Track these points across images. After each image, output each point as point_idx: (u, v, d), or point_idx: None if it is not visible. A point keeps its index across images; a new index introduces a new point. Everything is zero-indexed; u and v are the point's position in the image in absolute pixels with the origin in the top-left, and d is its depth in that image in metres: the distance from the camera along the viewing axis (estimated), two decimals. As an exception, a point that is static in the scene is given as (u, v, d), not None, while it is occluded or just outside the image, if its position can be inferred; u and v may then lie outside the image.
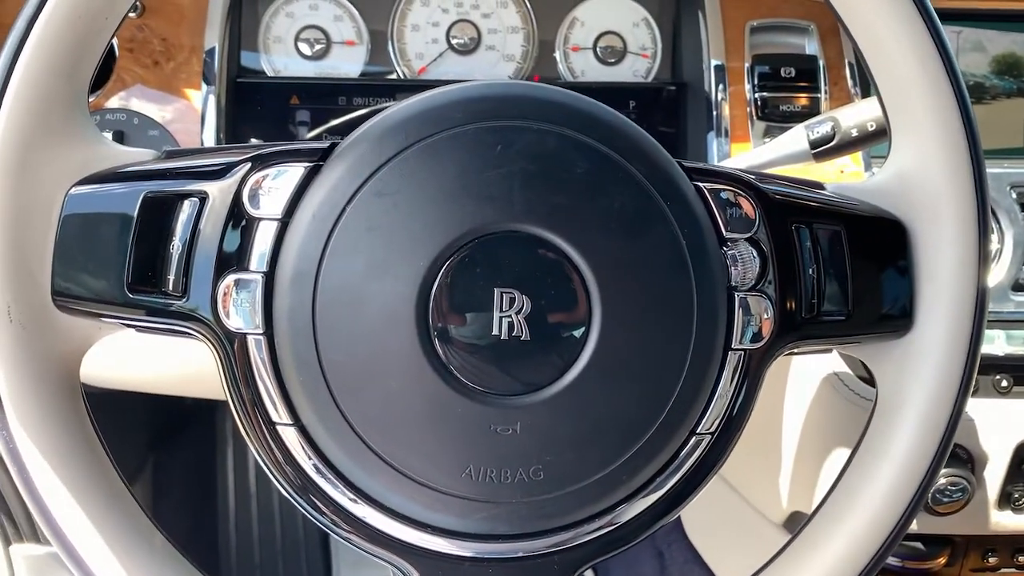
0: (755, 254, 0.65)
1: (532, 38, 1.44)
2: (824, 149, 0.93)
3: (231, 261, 0.60)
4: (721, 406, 0.64)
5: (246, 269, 0.60)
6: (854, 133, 0.91)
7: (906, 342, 0.69)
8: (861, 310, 0.68)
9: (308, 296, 0.59)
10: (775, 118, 1.28)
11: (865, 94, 1.34)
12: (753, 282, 0.65)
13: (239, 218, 0.61)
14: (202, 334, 0.62)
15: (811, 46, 1.32)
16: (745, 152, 1.27)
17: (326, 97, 1.36)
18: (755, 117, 1.28)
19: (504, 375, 0.60)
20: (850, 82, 1.30)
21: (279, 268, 0.60)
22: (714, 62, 1.31)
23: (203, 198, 0.61)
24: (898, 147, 0.70)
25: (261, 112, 1.35)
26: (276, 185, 0.61)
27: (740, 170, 0.69)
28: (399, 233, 0.59)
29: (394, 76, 1.43)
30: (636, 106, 1.38)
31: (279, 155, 0.62)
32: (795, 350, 0.69)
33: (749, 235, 0.65)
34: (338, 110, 1.35)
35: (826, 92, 1.29)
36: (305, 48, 1.41)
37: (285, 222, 0.60)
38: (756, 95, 1.28)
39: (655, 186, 0.62)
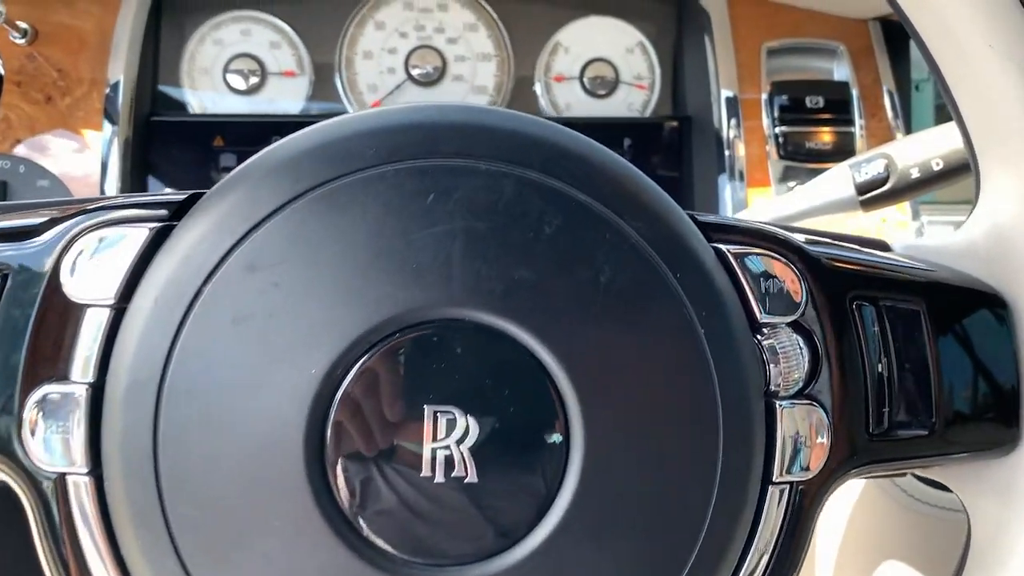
0: (802, 345, 0.49)
1: (507, 67, 1.31)
2: (876, 195, 0.77)
3: (43, 368, 0.44)
4: (759, 564, 0.48)
5: (64, 379, 0.44)
6: (914, 174, 0.76)
7: (1011, 465, 0.53)
8: (950, 421, 0.52)
9: (148, 419, 0.42)
10: (800, 157, 1.13)
11: (908, 130, 1.20)
12: (800, 385, 0.49)
13: (55, 304, 0.44)
14: (3, 471, 0.46)
15: (841, 71, 1.18)
16: (766, 199, 1.12)
17: (257, 138, 1.20)
18: (776, 156, 1.13)
19: (440, 536, 0.43)
20: (890, 113, 1.16)
21: (110, 378, 0.43)
22: (724, 92, 1.17)
23: (3, 274, 0.45)
24: (991, 191, 0.54)
25: (178, 156, 1.20)
26: (109, 256, 0.45)
27: (774, 224, 0.54)
28: (282, 326, 0.43)
29: (342, 112, 1.29)
30: (632, 145, 1.24)
31: (115, 211, 0.46)
32: (859, 476, 0.53)
33: (794, 318, 0.49)
34: (272, 153, 1.20)
35: (861, 126, 1.14)
36: (236, 80, 1.26)
37: (120, 309, 0.44)
38: (776, 130, 1.13)
39: (658, 250, 0.46)
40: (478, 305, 0.44)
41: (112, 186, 1.11)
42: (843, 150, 1.12)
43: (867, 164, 0.78)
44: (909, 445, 0.53)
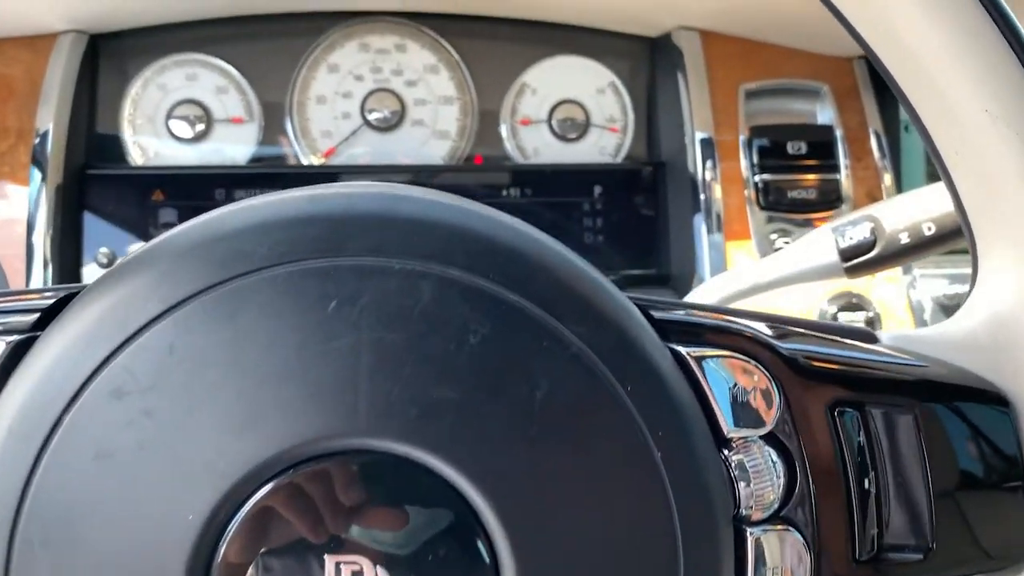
0: (776, 460, 0.43)
1: (471, 109, 1.25)
2: (862, 262, 0.72)
3: None
4: None
5: None
6: (904, 239, 0.70)
7: (1022, 582, 0.47)
8: (949, 540, 0.46)
9: (-4, 575, 0.37)
10: (782, 207, 1.08)
11: (898, 174, 1.15)
12: (775, 507, 0.43)
13: None
14: None
15: (824, 113, 1.13)
16: (746, 253, 1.07)
17: (201, 191, 1.14)
18: (756, 206, 1.08)
19: None
20: (877, 156, 1.11)
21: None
22: (699, 135, 1.11)
23: None
24: (990, 273, 0.49)
25: (114, 212, 1.13)
26: (-47, 376, 0.39)
27: (747, 318, 0.48)
28: (153, 463, 0.36)
29: (294, 161, 1.23)
30: (603, 192, 1.18)
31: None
32: (845, 606, 0.47)
33: (766, 430, 0.43)
34: (214, 207, 1.14)
35: (847, 170, 1.09)
36: (180, 128, 1.20)
37: (-34, 441, 0.38)
38: (756, 178, 1.08)
39: (605, 358, 0.40)
40: (389, 433, 0.38)
41: (39, 247, 1.05)
42: (828, 199, 1.07)
43: (852, 228, 0.72)
44: (903, 571, 0.47)
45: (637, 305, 0.44)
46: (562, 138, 1.26)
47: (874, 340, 0.52)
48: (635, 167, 1.20)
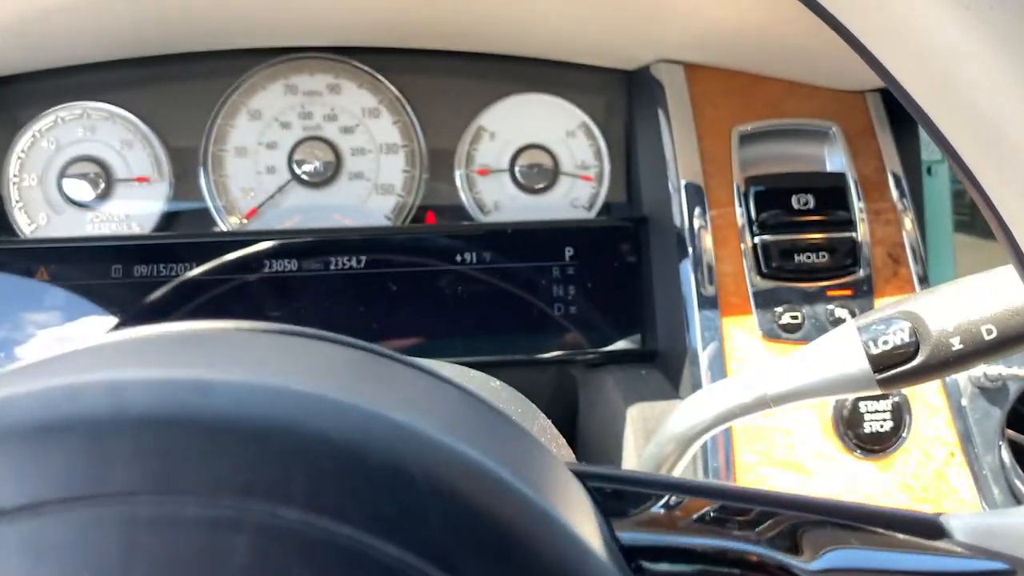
0: None
1: (418, 158, 1.08)
2: (899, 373, 0.55)
3: None
4: None
5: None
6: (955, 345, 0.53)
7: None
8: None
9: None
10: (787, 275, 0.90)
11: (921, 227, 0.98)
12: None
13: None
14: None
15: (834, 158, 0.96)
16: (746, 334, 0.89)
17: (96, 267, 0.97)
18: (756, 272, 0.91)
19: None
20: (898, 206, 0.94)
21: None
22: (684, 182, 0.94)
23: None
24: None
25: (-13, 296, 0.96)
26: None
27: (765, 503, 0.32)
28: None
29: (210, 225, 1.06)
30: (576, 254, 1.01)
31: None
32: None
33: None
34: (111, 288, 0.96)
35: (864, 224, 0.92)
36: (76, 189, 1.03)
37: None
38: (755, 240, 0.91)
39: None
40: None
41: None
42: (842, 262, 0.90)
43: (885, 329, 0.55)
44: None
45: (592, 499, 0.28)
46: (527, 189, 1.09)
47: (942, 533, 0.36)
48: (613, 223, 1.03)
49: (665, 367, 0.99)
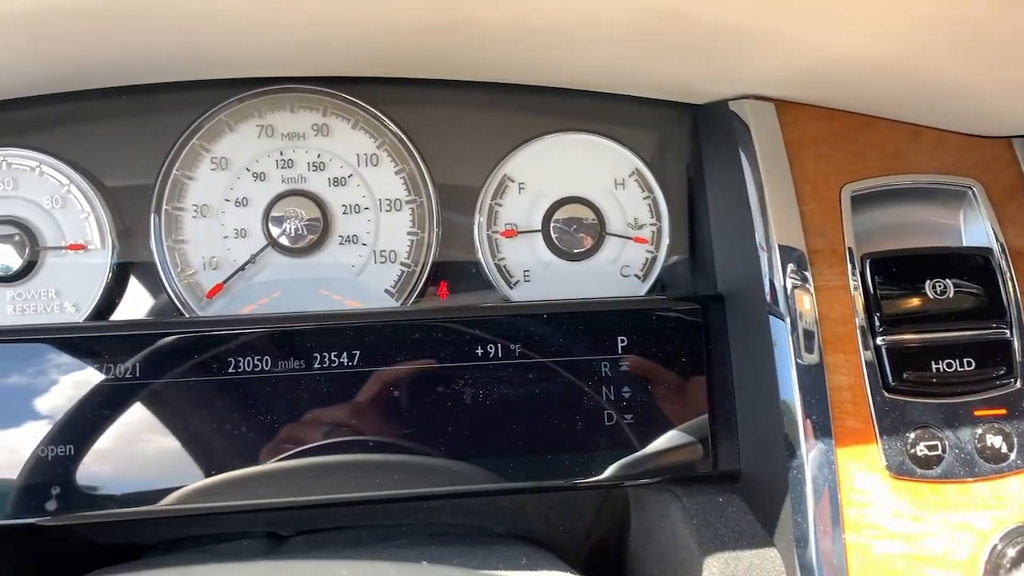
0: None
1: (428, 218, 0.87)
2: None
3: None
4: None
5: None
6: None
7: None
8: None
9: None
10: (922, 390, 0.69)
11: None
12: None
13: None
14: None
15: (974, 227, 0.74)
16: (867, 469, 0.68)
17: (14, 366, 0.76)
18: (881, 387, 0.70)
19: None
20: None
21: None
22: (779, 252, 0.73)
23: None
24: None
25: None
26: None
27: None
28: None
29: (163, 308, 0.85)
30: (630, 345, 0.80)
31: None
32: None
33: None
34: (34, 393, 0.75)
35: (1019, 320, 0.71)
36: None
37: None
38: (878, 340, 0.70)
39: None
40: None
41: None
42: (993, 372, 0.69)
43: None
44: None
45: None
46: (565, 254, 0.88)
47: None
48: (679, 305, 0.81)
49: (752, 496, 0.77)
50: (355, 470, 0.76)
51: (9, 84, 0.81)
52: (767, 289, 0.74)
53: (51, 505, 0.74)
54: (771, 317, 0.73)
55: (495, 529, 0.92)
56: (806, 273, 0.72)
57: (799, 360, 0.70)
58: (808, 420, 0.69)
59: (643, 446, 0.79)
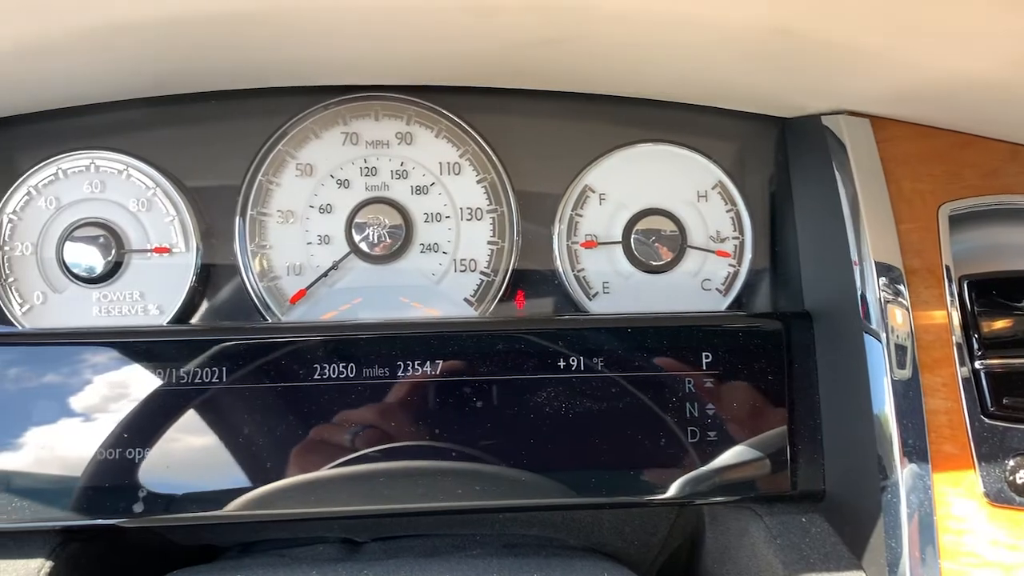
0: None
1: (509, 228, 0.87)
2: None
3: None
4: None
5: None
6: None
7: None
8: None
9: None
10: (1021, 413, 0.68)
11: None
12: None
13: None
14: None
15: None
16: (964, 496, 0.66)
17: (98, 367, 0.77)
18: (980, 410, 0.69)
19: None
20: None
21: None
22: (875, 271, 0.72)
23: None
24: None
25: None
26: None
27: None
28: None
29: (247, 312, 0.86)
30: (715, 361, 0.79)
31: None
32: None
33: None
34: (119, 396, 0.76)
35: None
36: (80, 262, 0.83)
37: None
38: (977, 364, 0.69)
39: None
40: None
41: None
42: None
43: None
44: None
45: None
46: (645, 266, 0.87)
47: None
48: (767, 323, 0.80)
49: (836, 517, 0.76)
50: (436, 480, 0.76)
51: (103, 89, 0.82)
52: (861, 306, 0.73)
53: (138, 507, 0.75)
54: (865, 335, 0.72)
55: (568, 541, 0.92)
56: (902, 292, 0.71)
57: (894, 379, 0.69)
58: (903, 442, 0.68)
59: (726, 464, 0.78)
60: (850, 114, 0.76)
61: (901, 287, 0.71)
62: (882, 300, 0.71)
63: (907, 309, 0.71)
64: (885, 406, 0.69)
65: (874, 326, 0.71)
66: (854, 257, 0.73)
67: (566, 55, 0.74)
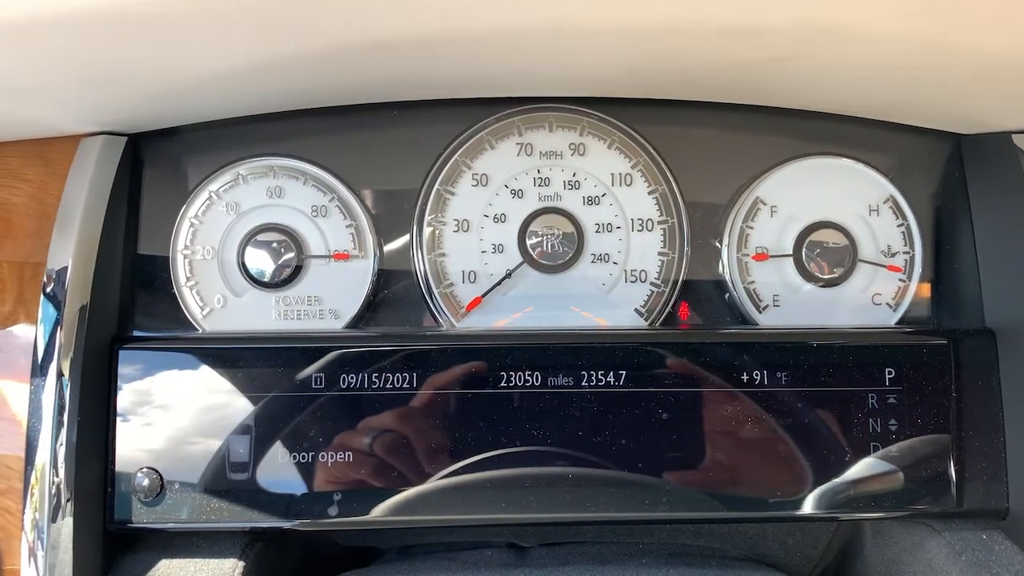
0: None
1: (679, 239, 0.88)
2: None
3: None
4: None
5: None
6: None
7: None
8: None
9: None
10: None
11: None
12: None
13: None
14: None
15: None
16: None
17: (284, 373, 0.79)
18: None
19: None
20: None
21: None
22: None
23: None
24: None
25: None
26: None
27: None
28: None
29: (423, 319, 0.87)
30: (897, 378, 0.80)
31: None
32: None
33: None
34: (304, 400, 0.78)
35: None
36: (259, 266, 0.85)
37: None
38: None
39: None
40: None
41: (45, 463, 0.72)
42: None
43: None
44: None
45: None
46: (815, 279, 0.88)
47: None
48: (947, 340, 0.81)
49: (1019, 535, 0.77)
50: (611, 490, 0.78)
51: (290, 100, 0.84)
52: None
53: (333, 511, 0.77)
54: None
55: (730, 552, 0.93)
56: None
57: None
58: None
59: (905, 479, 0.79)
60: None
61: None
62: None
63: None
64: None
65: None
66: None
67: (767, 73, 0.75)
